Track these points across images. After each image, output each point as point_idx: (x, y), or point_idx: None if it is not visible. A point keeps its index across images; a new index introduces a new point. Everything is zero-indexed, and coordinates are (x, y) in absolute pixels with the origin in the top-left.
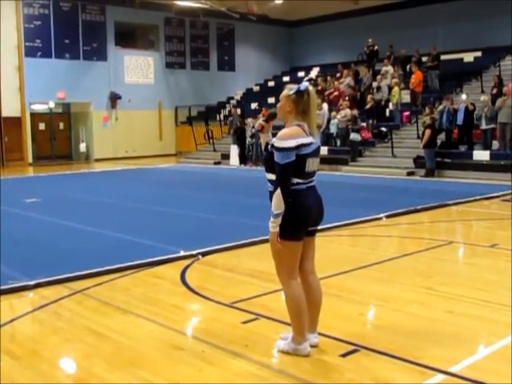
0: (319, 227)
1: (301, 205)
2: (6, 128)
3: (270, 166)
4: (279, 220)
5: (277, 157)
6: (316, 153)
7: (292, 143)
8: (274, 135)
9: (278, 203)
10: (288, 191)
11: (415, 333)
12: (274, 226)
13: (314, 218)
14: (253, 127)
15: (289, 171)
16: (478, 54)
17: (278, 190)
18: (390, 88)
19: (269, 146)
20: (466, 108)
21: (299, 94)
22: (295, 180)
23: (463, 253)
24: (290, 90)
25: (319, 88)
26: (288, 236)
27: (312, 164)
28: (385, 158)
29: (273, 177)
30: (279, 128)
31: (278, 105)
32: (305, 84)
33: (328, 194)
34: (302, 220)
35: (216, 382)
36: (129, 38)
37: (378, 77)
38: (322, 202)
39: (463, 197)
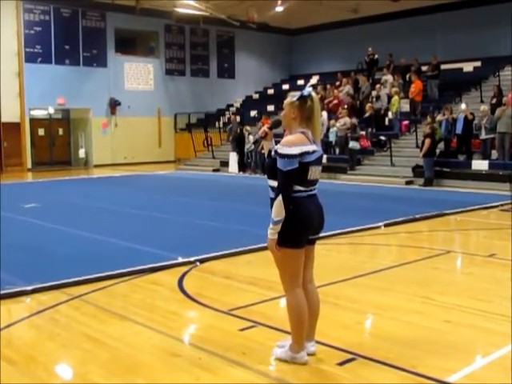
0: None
1: (301, 212)
2: (5, 133)
3: (273, 173)
4: (278, 227)
5: (280, 163)
6: (319, 161)
7: (296, 150)
8: (278, 143)
9: (278, 210)
10: (289, 198)
11: (412, 342)
12: (272, 232)
13: (314, 226)
14: (249, 134)
15: (291, 178)
16: (478, 63)
17: (279, 197)
18: (390, 97)
19: (272, 153)
20: (466, 117)
21: (302, 99)
22: (296, 187)
23: (461, 262)
24: (293, 96)
25: (319, 96)
26: (289, 243)
27: (314, 172)
28: (383, 166)
29: (275, 183)
30: (282, 136)
31: (282, 113)
32: (308, 90)
33: (326, 203)
34: (302, 227)
35: None
36: (129, 44)
37: (378, 86)
38: (322, 210)
39: (462, 206)
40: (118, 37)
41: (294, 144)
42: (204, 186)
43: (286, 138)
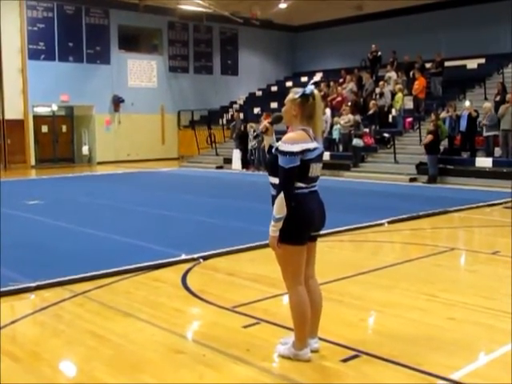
0: (320, 232)
1: (303, 209)
2: (8, 130)
3: (274, 170)
4: (280, 224)
5: (281, 161)
6: (320, 158)
7: (297, 148)
8: (279, 139)
9: (279, 207)
10: (291, 195)
11: (416, 339)
12: (274, 230)
13: (316, 223)
14: (254, 131)
15: (292, 176)
16: (482, 60)
17: (281, 194)
18: (393, 94)
19: (273, 149)
20: (469, 115)
21: (304, 97)
22: (298, 184)
23: (465, 259)
24: (295, 93)
25: (322, 93)
26: (291, 240)
27: (315, 169)
28: (387, 164)
29: (276, 180)
30: (282, 133)
31: (284, 109)
32: (310, 87)
33: (330, 200)
34: (304, 224)
35: None
36: (132, 41)
37: (381, 83)
38: (323, 207)
39: (465, 203)
40: (122, 34)
41: (295, 141)
42: (207, 183)
43: (287, 135)
